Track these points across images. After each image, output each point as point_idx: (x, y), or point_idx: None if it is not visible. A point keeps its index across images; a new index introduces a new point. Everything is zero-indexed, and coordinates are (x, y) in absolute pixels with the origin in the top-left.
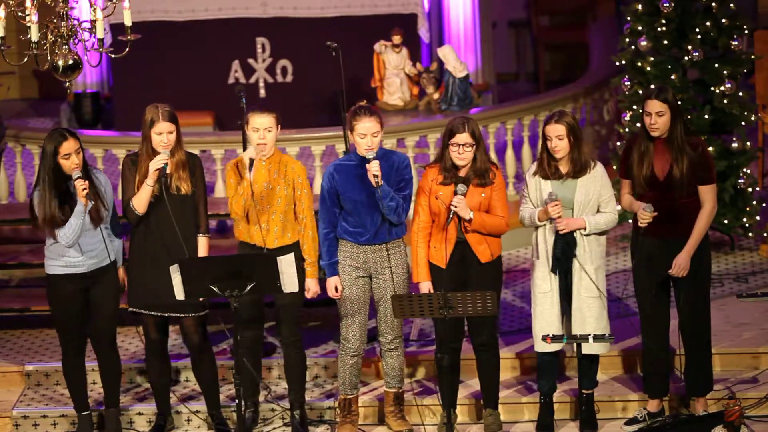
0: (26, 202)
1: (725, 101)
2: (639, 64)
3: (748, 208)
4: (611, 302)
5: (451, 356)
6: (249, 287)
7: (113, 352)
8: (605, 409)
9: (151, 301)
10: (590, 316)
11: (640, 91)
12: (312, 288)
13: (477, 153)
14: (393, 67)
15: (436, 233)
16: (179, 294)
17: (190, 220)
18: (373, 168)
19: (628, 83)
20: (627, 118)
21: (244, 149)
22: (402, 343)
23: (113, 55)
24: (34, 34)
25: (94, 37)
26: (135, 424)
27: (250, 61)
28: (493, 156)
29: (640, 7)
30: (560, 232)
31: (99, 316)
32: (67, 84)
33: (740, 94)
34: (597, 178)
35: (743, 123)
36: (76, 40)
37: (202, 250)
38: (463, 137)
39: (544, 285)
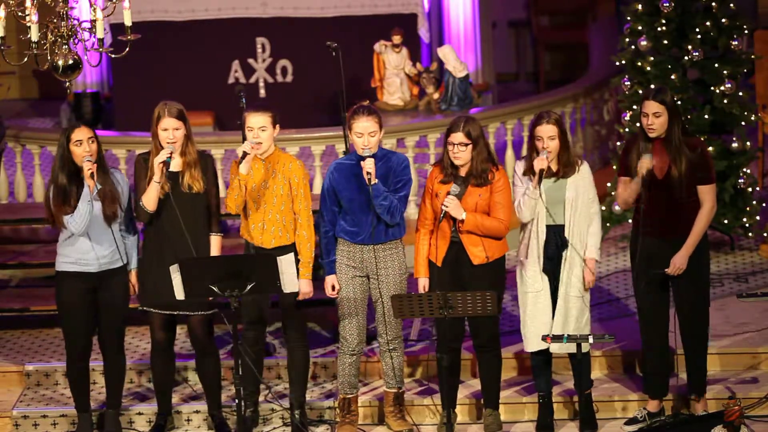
0: (26, 202)
1: (725, 101)
2: (639, 64)
3: (748, 208)
4: (611, 302)
5: (451, 356)
6: (249, 287)
7: (120, 355)
8: (605, 409)
9: (159, 299)
10: (571, 316)
11: (640, 91)
12: (303, 289)
13: (474, 153)
14: (393, 67)
15: (436, 232)
16: (179, 294)
17: (202, 218)
18: (367, 165)
19: (628, 83)
20: (627, 118)
21: None
22: (402, 343)
23: (113, 55)
24: (34, 34)
25: (94, 37)
26: (135, 424)
27: (250, 61)
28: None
29: (640, 7)
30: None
31: (107, 318)
32: (67, 84)
33: (740, 94)
34: (585, 176)
35: (743, 123)
36: (76, 40)
37: (215, 249)
38: (457, 136)
39: (536, 284)
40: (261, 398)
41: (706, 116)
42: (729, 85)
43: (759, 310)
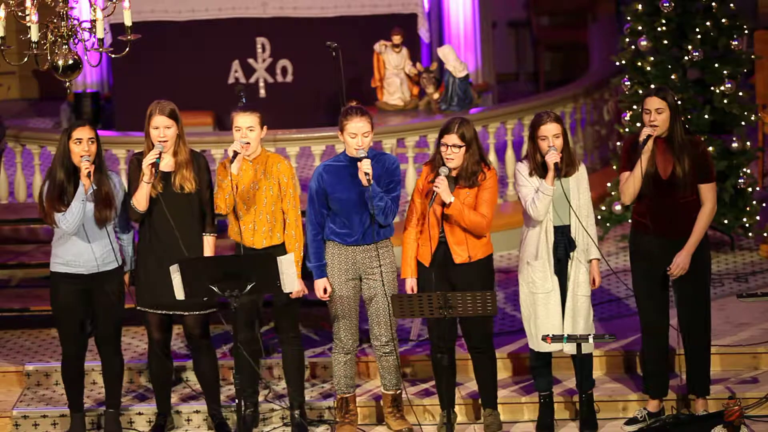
0: (26, 202)
1: (725, 101)
2: (639, 64)
3: (748, 208)
4: (611, 302)
5: (448, 356)
6: (249, 287)
7: (117, 356)
8: (605, 409)
9: (155, 299)
10: (580, 316)
11: (640, 91)
12: (298, 288)
13: (467, 155)
14: (393, 67)
15: (424, 232)
16: (179, 294)
17: (195, 218)
18: (365, 166)
19: (628, 83)
20: (627, 118)
21: None
22: (396, 344)
23: (113, 55)
24: (34, 34)
25: (94, 37)
26: (135, 424)
27: (250, 61)
28: (492, 156)
29: (640, 7)
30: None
31: (103, 320)
32: (67, 84)
33: (740, 94)
34: (584, 176)
35: (743, 123)
36: (76, 40)
37: (209, 250)
38: (451, 138)
39: (546, 285)
40: (261, 398)
41: (706, 116)
42: (729, 85)
43: (759, 310)
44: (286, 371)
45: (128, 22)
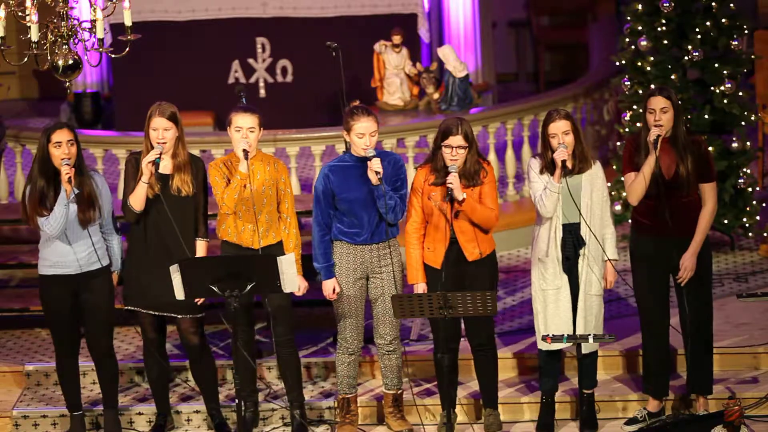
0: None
1: (725, 101)
2: (639, 64)
3: (748, 208)
4: (611, 302)
5: (450, 356)
6: (249, 287)
7: (110, 357)
8: (605, 409)
9: (147, 300)
10: (591, 315)
11: (640, 91)
12: (301, 285)
13: (468, 155)
14: (393, 67)
15: (431, 234)
16: (179, 294)
17: (189, 222)
18: (375, 165)
19: (628, 83)
20: (627, 118)
21: None
22: (400, 344)
23: (113, 55)
24: (34, 34)
25: (94, 37)
26: (135, 424)
27: (250, 61)
28: (492, 155)
29: (640, 7)
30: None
31: (92, 321)
32: (67, 84)
33: (740, 94)
34: (599, 174)
35: (743, 123)
36: (76, 40)
37: (201, 254)
38: (456, 140)
39: (557, 281)
40: (261, 398)
41: (706, 116)
42: (729, 85)
43: (759, 310)
44: (283, 373)
45: (128, 22)
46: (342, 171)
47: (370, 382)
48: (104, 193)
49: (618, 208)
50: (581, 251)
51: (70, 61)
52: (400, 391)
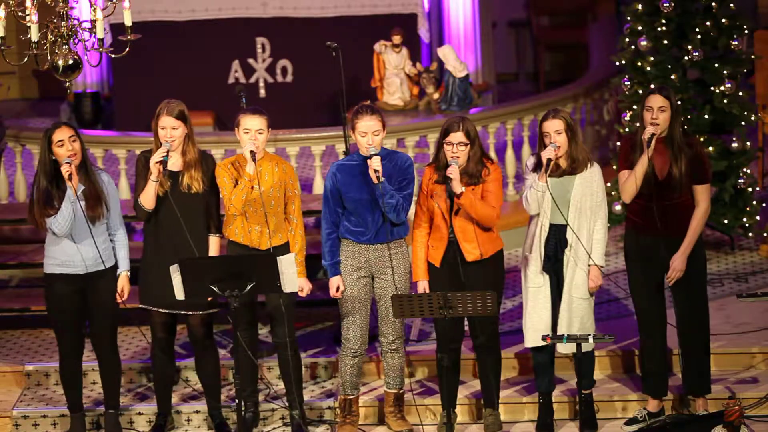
0: (26, 202)
1: (725, 101)
2: (639, 64)
3: (748, 208)
4: (611, 302)
5: (451, 356)
6: (249, 287)
7: (114, 356)
8: (605, 409)
9: (161, 299)
10: (576, 317)
11: (640, 91)
12: (305, 286)
13: (471, 153)
14: (393, 67)
15: (434, 232)
16: (179, 294)
17: (200, 219)
18: (374, 163)
19: (628, 83)
20: (627, 118)
21: None
22: (403, 343)
23: (113, 55)
24: (34, 34)
25: (94, 37)
26: (135, 424)
27: (250, 61)
28: (492, 155)
29: (640, 7)
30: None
31: (97, 320)
32: (67, 84)
33: (740, 94)
34: (594, 177)
35: (743, 123)
36: (76, 40)
37: (213, 250)
38: (457, 136)
39: (537, 279)
40: (261, 398)
41: (706, 116)
42: (729, 85)
43: (759, 310)
44: (284, 374)
45: (128, 22)
46: (349, 170)
47: (372, 382)
48: (111, 191)
49: (618, 208)
50: (566, 253)
51: (70, 61)
52: (401, 391)
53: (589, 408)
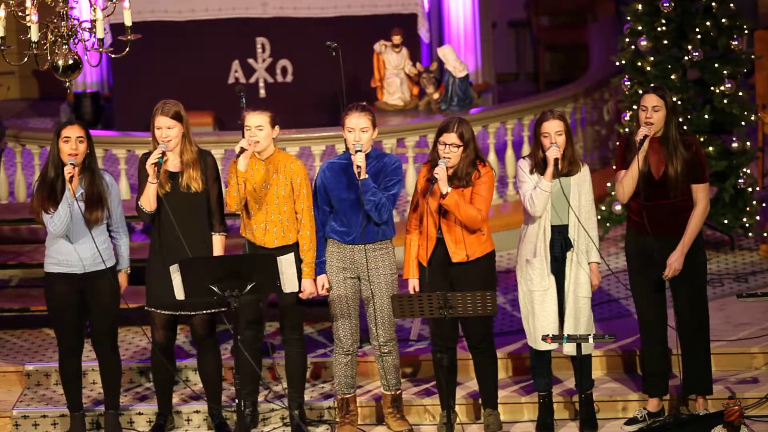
0: (26, 202)
1: (725, 101)
2: (639, 64)
3: (748, 208)
4: (611, 302)
5: (449, 356)
6: (249, 287)
7: (114, 355)
8: (605, 409)
9: (163, 300)
10: (582, 316)
11: (640, 91)
12: (308, 288)
13: (463, 155)
14: (393, 67)
15: (423, 231)
16: (179, 294)
17: (203, 218)
18: (357, 159)
19: (628, 83)
20: (627, 118)
21: None
22: (396, 344)
23: (113, 55)
24: (34, 34)
25: (94, 37)
26: (135, 424)
27: (250, 61)
28: (492, 155)
29: (640, 7)
30: (594, 286)
31: (97, 319)
32: (67, 84)
33: (740, 94)
34: (587, 177)
35: (743, 123)
36: (76, 40)
37: (218, 249)
38: (450, 137)
39: (543, 282)
40: (261, 398)
41: (706, 116)
42: (729, 85)
43: (759, 310)
44: (287, 372)
45: (128, 22)
46: (337, 169)
47: (370, 383)
48: (114, 193)
49: (618, 208)
50: (569, 253)
51: (70, 61)
52: (398, 392)
53: (590, 408)
